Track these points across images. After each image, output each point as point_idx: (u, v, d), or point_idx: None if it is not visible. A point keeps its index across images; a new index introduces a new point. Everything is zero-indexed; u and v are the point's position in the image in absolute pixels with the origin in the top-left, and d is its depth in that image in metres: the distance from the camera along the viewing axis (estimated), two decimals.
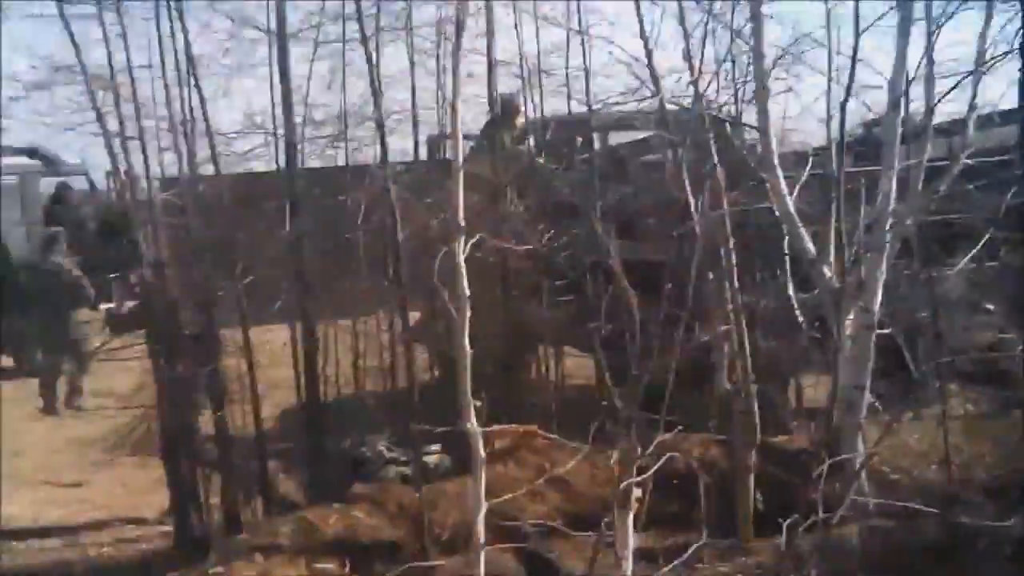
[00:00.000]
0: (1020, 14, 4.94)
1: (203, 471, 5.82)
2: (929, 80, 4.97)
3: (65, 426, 9.09)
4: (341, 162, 6.93)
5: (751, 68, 5.07)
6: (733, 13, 5.09)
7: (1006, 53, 4.90)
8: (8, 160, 14.39)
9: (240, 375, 5.78)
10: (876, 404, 5.02)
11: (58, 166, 14.54)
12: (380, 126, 5.40)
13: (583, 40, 6.35)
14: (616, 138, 7.94)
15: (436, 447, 5.91)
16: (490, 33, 6.05)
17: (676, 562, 4.20)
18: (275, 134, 6.05)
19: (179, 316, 5.83)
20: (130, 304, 12.54)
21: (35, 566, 5.99)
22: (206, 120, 5.89)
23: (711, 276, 4.87)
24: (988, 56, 5.01)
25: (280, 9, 5.88)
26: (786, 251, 5.34)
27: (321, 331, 6.13)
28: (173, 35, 5.80)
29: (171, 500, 5.91)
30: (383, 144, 5.37)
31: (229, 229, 5.78)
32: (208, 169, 5.85)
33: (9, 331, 12.65)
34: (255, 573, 4.90)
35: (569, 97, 6.51)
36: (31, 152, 14.09)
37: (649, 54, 4.85)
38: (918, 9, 4.80)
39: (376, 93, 5.31)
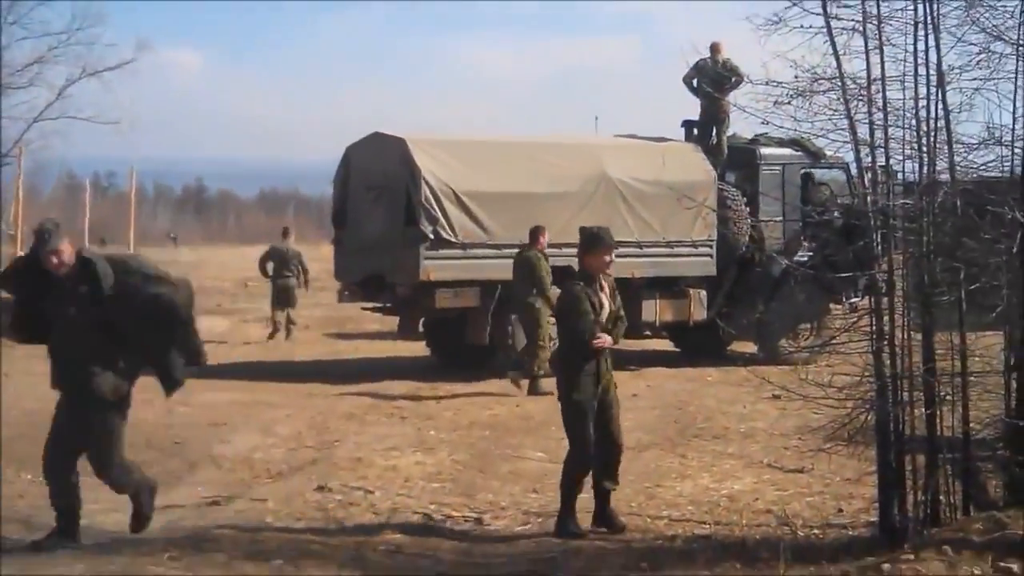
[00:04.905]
0: None
1: (911, 465, 6.88)
2: None
3: (793, 414, 10.73)
4: None
5: None
6: None
7: None
8: (771, 151, 16.81)
9: (953, 375, 6.77)
10: None
11: (819, 158, 16.56)
12: None
13: None
14: None
15: None
16: None
17: None
18: (1012, 148, 6.84)
19: (906, 317, 6.95)
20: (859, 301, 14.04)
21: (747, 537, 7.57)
22: (948, 130, 6.83)
23: None
24: None
25: None
26: None
27: None
28: (927, 48, 6.85)
29: (878, 491, 7.05)
30: None
31: (958, 236, 6.75)
32: (944, 177, 6.88)
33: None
34: (942, 565, 5.88)
35: None
36: (793, 143, 16.27)
37: None
38: None
39: None
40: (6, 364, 15.47)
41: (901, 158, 7.03)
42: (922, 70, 6.87)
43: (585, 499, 7.78)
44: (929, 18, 6.81)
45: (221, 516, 8.18)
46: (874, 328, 6.99)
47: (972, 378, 6.77)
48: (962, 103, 6.93)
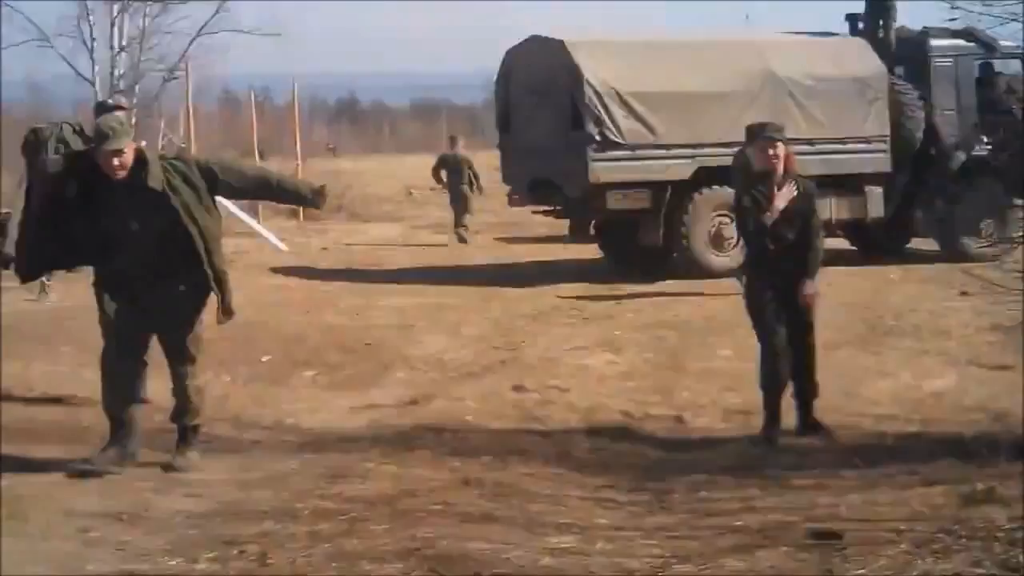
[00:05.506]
0: None
1: None
2: None
3: (988, 310, 10.38)
4: None
5: None
6: None
7: None
8: (942, 42, 16.16)
9: None
10: None
11: (993, 49, 15.86)
12: None
13: None
14: None
15: None
16: None
17: None
18: None
19: None
20: None
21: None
22: None
23: None
24: None
25: None
26: None
27: None
28: None
29: None
30: None
31: None
32: None
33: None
34: None
35: None
36: (966, 35, 15.60)
37: None
38: None
39: None
40: None
41: None
42: None
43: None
44: None
45: (421, 415, 8.32)
46: None
47: None
48: None
